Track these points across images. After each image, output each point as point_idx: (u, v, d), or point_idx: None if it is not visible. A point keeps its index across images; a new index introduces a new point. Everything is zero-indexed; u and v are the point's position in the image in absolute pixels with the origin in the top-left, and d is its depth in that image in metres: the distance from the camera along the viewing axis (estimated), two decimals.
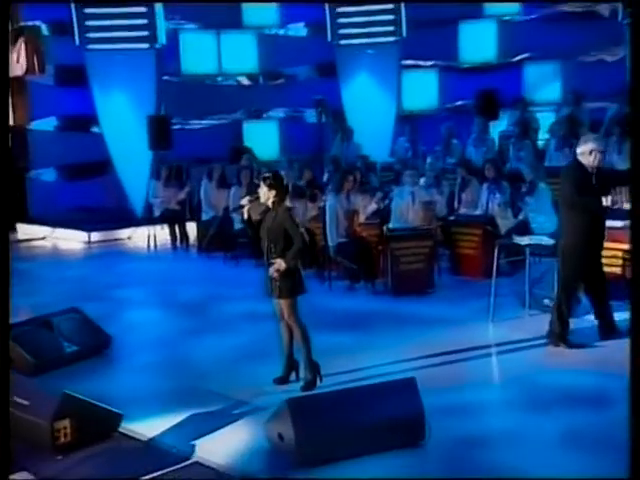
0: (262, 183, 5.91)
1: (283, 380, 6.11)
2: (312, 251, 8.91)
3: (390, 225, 9.13)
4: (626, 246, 7.53)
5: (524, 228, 8.84)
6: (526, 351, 6.77)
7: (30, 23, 13.21)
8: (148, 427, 5.44)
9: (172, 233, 11.95)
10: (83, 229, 12.71)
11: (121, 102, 13.14)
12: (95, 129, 13.69)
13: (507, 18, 15.07)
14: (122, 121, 13.08)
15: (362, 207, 9.28)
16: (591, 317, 7.11)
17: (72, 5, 12.87)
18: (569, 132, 11.70)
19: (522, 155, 10.96)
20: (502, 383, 6.37)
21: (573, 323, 6.91)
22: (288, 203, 6.16)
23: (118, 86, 13.01)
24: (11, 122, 12.86)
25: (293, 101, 14.81)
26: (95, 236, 12.63)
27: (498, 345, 6.94)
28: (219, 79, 14.75)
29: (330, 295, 8.71)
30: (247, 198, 6.04)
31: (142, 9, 13.09)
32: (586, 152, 6.59)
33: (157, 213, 11.99)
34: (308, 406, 4.95)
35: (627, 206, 9.00)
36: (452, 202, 10.15)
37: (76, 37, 12.96)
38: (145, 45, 13.15)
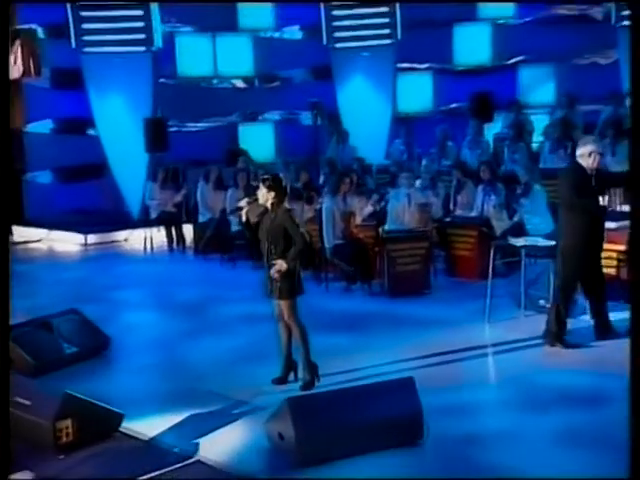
0: (261, 185, 5.96)
1: (282, 380, 6.16)
2: (309, 253, 8.95)
3: (386, 227, 9.19)
4: (621, 247, 7.61)
5: (519, 229, 8.90)
6: (522, 351, 6.83)
7: (26, 26, 13.23)
8: (148, 427, 5.48)
9: (169, 235, 11.98)
10: (80, 231, 12.72)
11: (117, 105, 13.18)
12: (91, 132, 13.73)
13: (501, 21, 15.15)
14: (118, 124, 13.12)
15: (358, 209, 9.33)
16: (586, 317, 7.18)
17: (68, 8, 12.91)
18: (563, 134, 11.78)
19: (517, 157, 11.03)
20: (499, 383, 6.42)
21: (569, 323, 6.97)
22: (287, 205, 6.20)
23: (114, 89, 13.04)
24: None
25: (288, 104, 14.85)
26: (92, 238, 12.65)
27: (494, 345, 7.00)
28: (215, 82, 14.79)
29: (327, 296, 8.76)
30: (245, 200, 6.09)
31: (138, 12, 13.14)
32: (585, 154, 6.67)
33: (154, 215, 12.01)
34: (308, 405, 4.99)
35: (622, 208, 9.10)
36: (448, 204, 10.21)
37: (72, 40, 12.99)
38: (141, 48, 13.19)
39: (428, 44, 14.26)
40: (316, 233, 9.33)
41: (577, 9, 15.03)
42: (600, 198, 7.12)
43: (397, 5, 14.18)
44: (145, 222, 12.26)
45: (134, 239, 12.63)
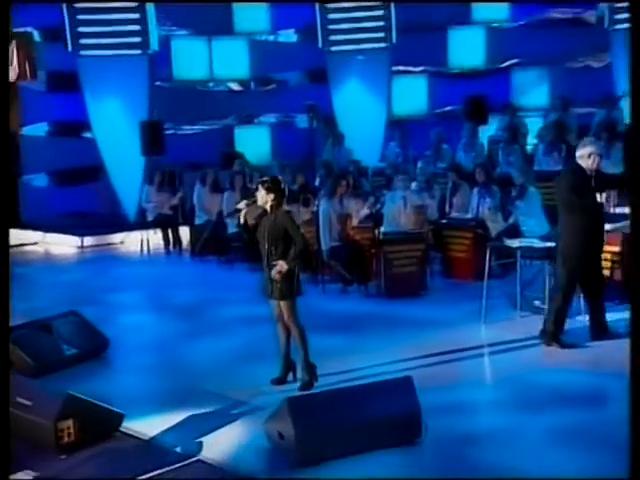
0: (260, 187, 6.00)
1: (280, 381, 6.20)
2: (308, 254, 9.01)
3: (382, 229, 9.25)
4: (615, 248, 7.67)
5: (514, 231, 8.96)
6: (518, 351, 6.88)
7: (22, 29, 13.25)
8: (148, 427, 5.51)
9: (165, 237, 12.01)
10: (76, 234, 12.75)
11: (114, 108, 13.22)
12: (86, 134, 13.76)
13: (495, 24, 15.24)
14: (115, 126, 13.16)
15: (355, 211, 9.38)
16: (582, 317, 7.24)
17: (65, 11, 12.95)
18: (557, 137, 11.86)
19: (512, 160, 11.10)
20: (495, 383, 6.47)
21: (566, 324, 7.04)
22: (285, 206, 6.24)
23: (111, 92, 13.09)
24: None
25: (284, 106, 14.91)
26: (88, 241, 12.68)
27: (490, 346, 7.05)
28: (211, 85, 14.85)
29: (324, 298, 8.80)
30: (244, 202, 6.13)
31: (135, 15, 13.20)
32: (585, 155, 6.74)
33: (150, 218, 12.06)
34: (308, 405, 5.04)
35: (616, 210, 9.17)
36: (443, 206, 10.27)
37: (69, 43, 13.04)
38: (137, 51, 13.25)
39: (423, 47, 14.35)
40: (313, 235, 9.38)
41: (571, 12, 15.13)
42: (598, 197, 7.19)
43: (392, 9, 14.26)
44: (141, 224, 12.30)
45: (130, 242, 12.67)
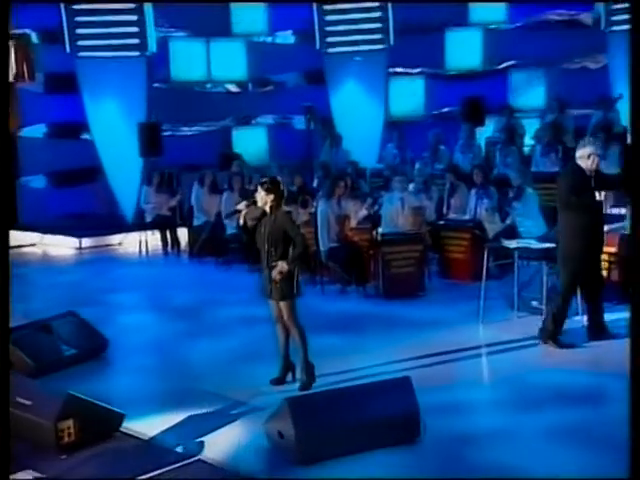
0: (260, 188, 6.03)
1: (279, 381, 6.23)
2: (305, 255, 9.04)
3: (380, 230, 9.28)
4: (612, 249, 7.71)
5: (511, 232, 9.00)
6: (515, 352, 6.91)
7: (20, 31, 13.28)
8: (147, 428, 5.53)
9: (163, 239, 12.05)
10: (74, 235, 12.78)
11: (112, 109, 13.25)
12: (84, 136, 13.79)
13: (492, 26, 15.29)
14: (113, 128, 13.20)
15: (353, 212, 9.42)
16: (579, 318, 7.28)
17: (63, 13, 12.98)
18: (554, 138, 11.90)
19: (509, 161, 11.13)
20: (492, 383, 6.51)
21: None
22: (284, 207, 6.27)
23: (109, 93, 13.13)
24: None
25: (282, 108, 14.96)
26: (86, 242, 12.71)
27: (488, 346, 7.09)
28: (208, 86, 14.88)
29: (322, 298, 8.83)
30: (244, 203, 6.15)
31: (133, 17, 13.24)
32: (584, 156, 6.79)
33: (149, 219, 12.08)
34: (308, 405, 5.07)
35: (613, 210, 9.21)
36: (441, 207, 10.31)
37: (67, 45, 13.07)
38: (136, 53, 13.28)
39: (420, 49, 14.40)
40: (311, 236, 9.40)
41: (567, 14, 15.18)
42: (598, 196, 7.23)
43: (389, 10, 14.31)
44: (140, 226, 12.32)
45: (128, 243, 12.70)
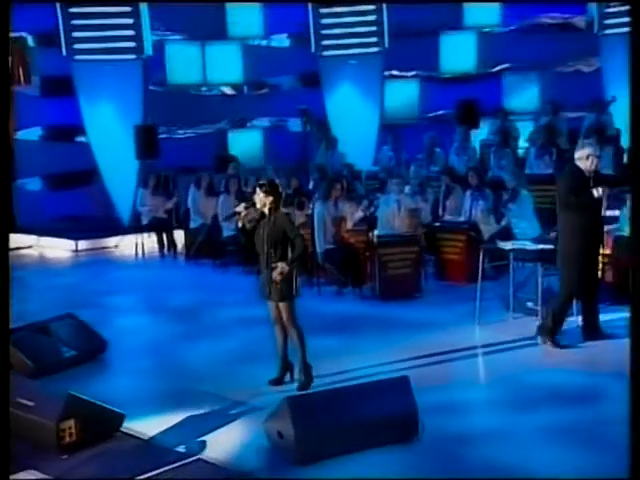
0: (258, 189, 6.07)
1: (278, 381, 6.27)
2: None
3: (377, 232, 9.33)
4: (607, 250, 7.77)
5: (506, 234, 9.07)
6: (511, 352, 6.97)
7: (16, 34, 13.29)
8: (147, 428, 5.57)
9: (160, 241, 12.07)
10: (70, 237, 12.80)
11: (108, 112, 13.28)
12: (80, 139, 13.82)
13: (487, 30, 15.39)
14: (109, 131, 13.23)
15: (349, 214, 9.47)
16: (573, 318, 7.34)
17: (59, 17, 13.02)
18: (548, 141, 11.99)
19: (503, 163, 11.21)
20: (489, 383, 6.55)
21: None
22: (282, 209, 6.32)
23: (105, 96, 13.15)
24: None
25: (277, 110, 15.02)
26: (82, 244, 12.73)
27: (484, 346, 7.15)
28: (204, 89, 14.94)
29: (319, 300, 8.86)
30: (243, 205, 6.19)
31: (129, 21, 13.28)
32: (583, 157, 6.87)
33: (145, 221, 12.10)
34: (307, 404, 5.11)
35: (606, 213, 9.28)
36: (437, 209, 10.37)
37: (63, 48, 13.10)
38: (132, 56, 13.32)
39: (415, 52, 14.49)
40: (308, 238, 9.45)
41: (560, 18, 15.29)
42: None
43: (384, 14, 14.38)
44: (136, 228, 12.35)
45: (124, 245, 12.72)
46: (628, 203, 8.47)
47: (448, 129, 13.20)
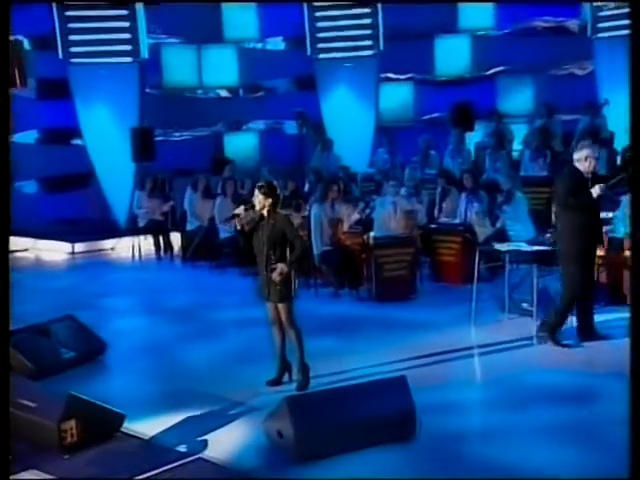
0: (257, 191, 6.12)
1: (276, 382, 6.31)
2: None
3: (373, 234, 9.39)
4: (601, 252, 7.84)
5: (501, 236, 9.14)
6: (507, 352, 7.04)
7: (12, 37, 13.33)
8: (146, 429, 5.61)
9: (156, 243, 12.11)
10: (67, 240, 12.82)
11: (104, 115, 13.33)
12: (76, 142, 13.85)
13: (481, 33, 15.48)
14: (105, 133, 13.27)
15: (346, 216, 9.52)
16: (568, 319, 7.41)
17: (56, 20, 13.07)
18: (542, 143, 12.06)
19: (498, 165, 11.28)
20: (484, 383, 6.62)
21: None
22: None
23: (101, 99, 13.20)
24: None
25: (273, 113, 15.08)
26: (79, 247, 12.75)
27: (480, 347, 7.21)
28: (200, 92, 15.00)
29: (316, 301, 8.91)
30: (242, 207, 6.23)
31: (125, 24, 13.33)
32: (582, 158, 6.94)
33: (142, 224, 12.14)
34: (306, 404, 5.17)
35: (602, 214, 9.36)
36: (432, 211, 10.44)
37: (60, 51, 13.14)
38: (128, 59, 13.37)
39: (410, 55, 14.56)
40: (305, 239, 9.50)
41: (554, 21, 15.39)
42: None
43: (380, 17, 14.46)
44: (132, 231, 12.39)
45: (121, 248, 12.75)
46: (622, 205, 8.56)
47: (443, 132, 13.28)
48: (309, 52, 14.60)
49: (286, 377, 6.38)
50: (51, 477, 4.99)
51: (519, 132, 13.40)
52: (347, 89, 14.74)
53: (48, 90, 13.89)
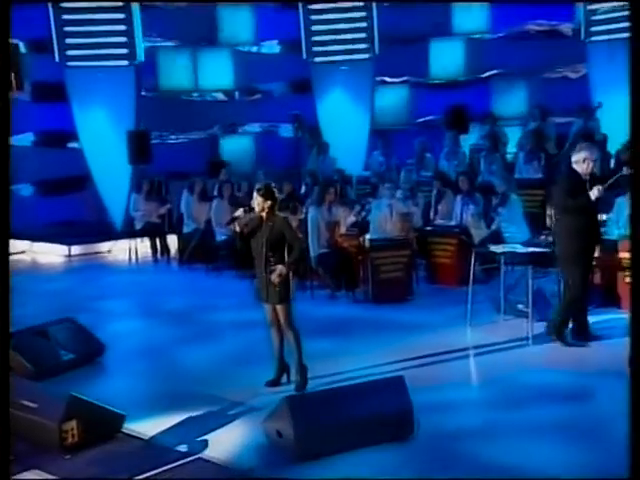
0: (256, 194, 6.17)
1: (275, 383, 6.36)
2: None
3: (369, 236, 9.45)
4: (595, 253, 7.91)
5: (496, 238, 9.21)
6: (502, 353, 7.10)
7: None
8: (147, 429, 5.65)
9: (153, 246, 12.14)
10: (63, 243, 12.85)
11: (101, 117, 13.37)
12: (72, 145, 13.89)
13: (475, 36, 15.58)
14: (102, 136, 13.31)
15: (343, 218, 9.58)
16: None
17: (52, 23, 13.11)
18: (536, 146, 12.13)
19: (493, 168, 11.35)
20: (481, 383, 6.67)
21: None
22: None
23: (98, 102, 13.24)
24: None
25: (269, 116, 15.14)
26: (75, 249, 12.78)
27: (476, 348, 7.27)
28: (195, 95, 15.05)
29: (312, 303, 8.94)
30: (241, 210, 6.28)
31: (121, 27, 13.38)
32: (580, 160, 7.00)
33: (138, 226, 12.18)
34: (306, 404, 5.22)
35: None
36: (428, 213, 10.49)
37: (56, 54, 13.18)
38: (124, 62, 13.41)
39: (405, 58, 14.67)
40: (303, 241, 9.54)
41: (548, 25, 15.50)
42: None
43: (375, 20, 14.54)
44: (129, 233, 12.42)
45: (117, 250, 12.79)
46: (615, 207, 8.64)
47: (438, 134, 13.35)
48: (305, 55, 14.67)
49: (284, 378, 6.43)
50: (52, 477, 5.02)
51: (513, 135, 13.47)
52: (343, 92, 14.81)
53: (44, 93, 13.93)
